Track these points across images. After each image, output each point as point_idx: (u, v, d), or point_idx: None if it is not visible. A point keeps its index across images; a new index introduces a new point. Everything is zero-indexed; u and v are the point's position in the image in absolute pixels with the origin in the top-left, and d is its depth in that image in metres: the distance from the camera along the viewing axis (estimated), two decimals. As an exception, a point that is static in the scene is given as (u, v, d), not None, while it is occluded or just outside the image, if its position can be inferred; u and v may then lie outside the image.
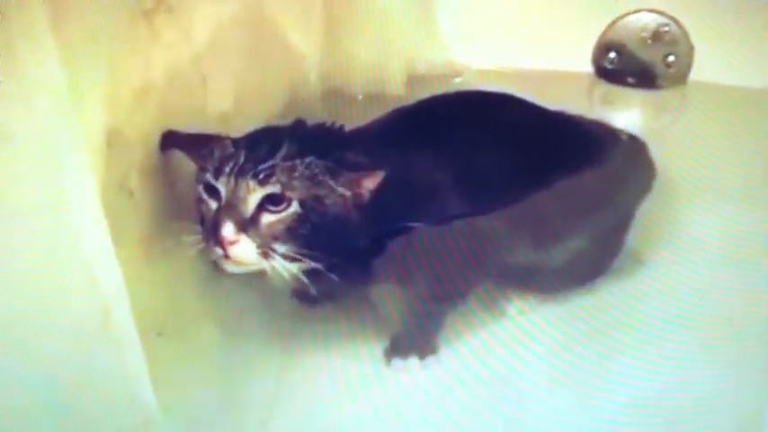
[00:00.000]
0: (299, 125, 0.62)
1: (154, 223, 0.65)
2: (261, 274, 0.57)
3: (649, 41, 1.04)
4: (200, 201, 0.58)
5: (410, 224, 0.59)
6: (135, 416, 0.52)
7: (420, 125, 0.68)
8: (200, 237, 0.57)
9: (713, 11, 0.99)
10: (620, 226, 0.74)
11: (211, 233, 0.55)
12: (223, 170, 0.56)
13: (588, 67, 1.06)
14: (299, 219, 0.56)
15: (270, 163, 0.56)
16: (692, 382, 0.62)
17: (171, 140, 0.65)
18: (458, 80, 1.03)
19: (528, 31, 1.02)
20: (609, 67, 1.06)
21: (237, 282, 0.64)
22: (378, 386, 0.63)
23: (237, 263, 0.56)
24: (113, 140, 0.58)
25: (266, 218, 0.56)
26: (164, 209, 0.66)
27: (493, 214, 0.63)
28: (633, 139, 0.79)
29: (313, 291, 0.58)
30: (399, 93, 0.98)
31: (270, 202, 0.55)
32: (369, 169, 0.58)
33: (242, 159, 0.56)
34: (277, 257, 0.56)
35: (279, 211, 0.56)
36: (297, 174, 0.56)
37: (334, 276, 0.57)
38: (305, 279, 0.57)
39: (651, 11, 1.03)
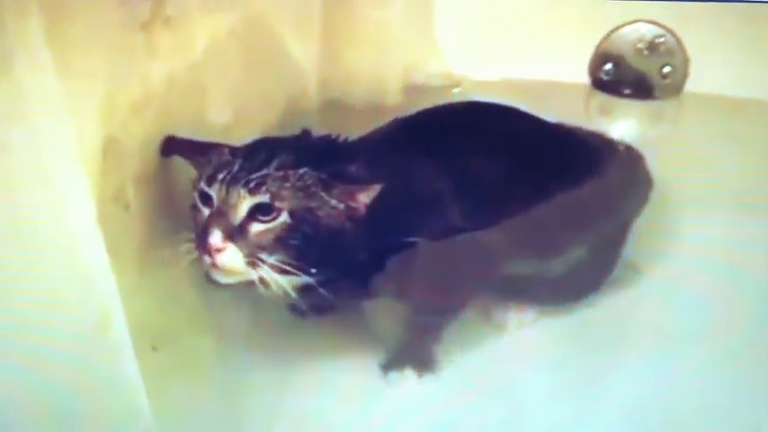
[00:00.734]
0: (304, 136, 0.62)
1: (149, 234, 0.65)
2: (254, 286, 0.57)
3: (645, 52, 1.04)
4: (194, 208, 0.58)
5: (410, 239, 0.59)
6: (131, 427, 0.52)
7: (420, 136, 0.68)
8: (193, 245, 0.57)
9: (709, 22, 0.99)
10: (617, 237, 0.74)
11: (200, 240, 0.55)
12: (217, 177, 0.56)
13: (585, 78, 1.07)
14: (289, 229, 0.55)
15: (262, 172, 0.56)
16: (692, 395, 0.62)
17: (172, 145, 0.66)
18: (456, 90, 1.03)
19: (525, 42, 1.02)
20: (605, 78, 1.06)
21: (233, 293, 0.64)
22: (374, 400, 0.63)
23: (225, 271, 0.55)
24: (109, 152, 0.58)
25: (255, 227, 0.55)
26: (159, 220, 0.66)
27: (491, 226, 0.63)
28: (630, 149, 0.79)
29: (302, 305, 0.57)
30: (398, 103, 0.98)
31: (259, 211, 0.55)
32: (364, 182, 0.57)
33: (236, 168, 0.56)
34: (265, 268, 0.55)
35: (268, 221, 0.55)
36: (288, 184, 0.56)
37: (324, 292, 0.57)
38: (293, 294, 0.56)
39: (647, 22, 1.03)
